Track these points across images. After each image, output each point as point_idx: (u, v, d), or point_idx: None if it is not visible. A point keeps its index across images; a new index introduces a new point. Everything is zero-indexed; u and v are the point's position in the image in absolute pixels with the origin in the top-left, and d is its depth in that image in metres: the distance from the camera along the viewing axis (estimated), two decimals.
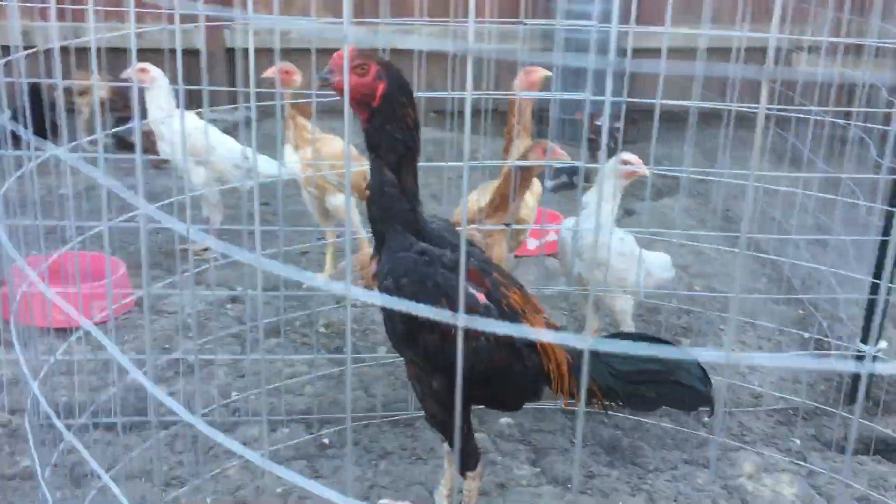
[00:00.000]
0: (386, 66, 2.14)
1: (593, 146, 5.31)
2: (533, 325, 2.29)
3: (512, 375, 2.27)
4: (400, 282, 2.14)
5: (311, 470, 2.86)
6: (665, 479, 2.88)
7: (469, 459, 2.37)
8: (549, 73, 3.61)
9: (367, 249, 3.30)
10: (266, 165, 4.51)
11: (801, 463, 2.99)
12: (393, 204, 2.20)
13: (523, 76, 3.63)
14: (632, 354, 2.30)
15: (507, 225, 3.17)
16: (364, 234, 4.17)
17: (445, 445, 2.54)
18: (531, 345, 2.27)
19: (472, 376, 2.14)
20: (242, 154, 4.53)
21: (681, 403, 2.43)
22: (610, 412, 2.88)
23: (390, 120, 2.16)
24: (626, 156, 3.26)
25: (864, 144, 4.00)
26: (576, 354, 2.34)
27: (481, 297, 2.20)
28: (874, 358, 3.34)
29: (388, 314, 2.20)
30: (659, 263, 3.56)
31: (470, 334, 2.15)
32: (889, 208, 3.17)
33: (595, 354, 2.34)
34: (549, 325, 2.37)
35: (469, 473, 2.38)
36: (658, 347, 2.33)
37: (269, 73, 3.75)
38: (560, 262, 3.57)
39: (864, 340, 3.38)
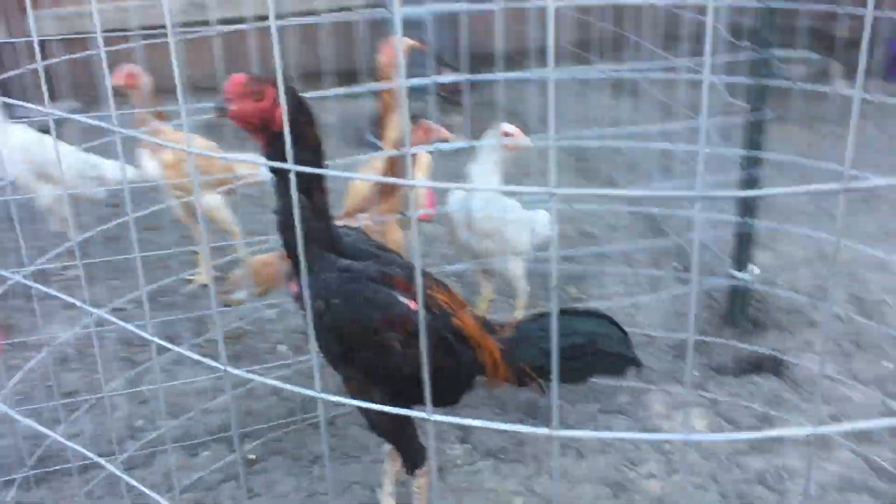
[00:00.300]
0: (283, 89, 2.04)
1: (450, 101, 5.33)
2: (462, 322, 2.31)
3: (450, 373, 2.29)
4: (330, 303, 2.09)
5: (243, 490, 2.79)
6: (588, 426, 3.04)
7: (417, 458, 2.38)
8: (412, 41, 3.55)
9: (264, 256, 3.19)
10: (115, 170, 4.25)
11: (704, 394, 3.22)
12: (308, 226, 2.13)
13: (386, 50, 3.56)
14: (560, 330, 2.38)
15: (402, 214, 3.15)
16: (236, 229, 4.02)
17: (386, 445, 2.54)
18: (465, 341, 2.30)
19: (414, 382, 2.18)
20: (86, 162, 4.24)
21: (609, 370, 2.54)
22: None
23: (294, 142, 2.08)
24: (507, 127, 3.30)
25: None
26: (506, 342, 2.38)
27: (413, 305, 2.19)
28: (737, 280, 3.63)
29: (323, 336, 2.15)
30: (542, 222, 3.65)
31: (411, 343, 2.15)
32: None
33: (525, 338, 2.40)
34: (477, 319, 2.40)
35: (418, 472, 2.40)
36: (582, 320, 2.43)
37: (116, 79, 3.51)
38: (450, 234, 3.60)
39: (737, 268, 3.66)
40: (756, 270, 3.67)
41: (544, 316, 2.46)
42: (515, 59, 3.79)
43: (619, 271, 4.22)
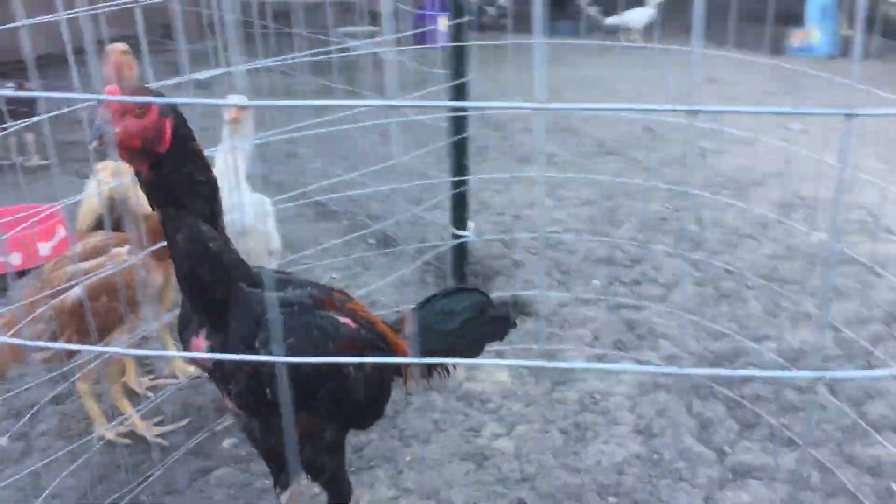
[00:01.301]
0: (164, 99, 1.64)
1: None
2: (382, 330, 2.12)
3: (387, 384, 2.11)
4: (288, 343, 1.77)
5: None
6: (414, 415, 3.01)
7: (348, 492, 2.15)
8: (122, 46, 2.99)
9: (59, 272, 2.51)
10: None
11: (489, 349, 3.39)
12: (224, 261, 1.76)
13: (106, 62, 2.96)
14: (447, 310, 2.33)
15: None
16: None
17: (298, 485, 2.24)
18: (390, 347, 2.12)
19: (365, 405, 2.00)
20: None
21: (497, 335, 2.55)
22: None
23: (186, 161, 1.69)
24: (231, 98, 2.91)
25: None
26: (410, 337, 2.25)
27: (351, 324, 1.95)
28: (462, 238, 3.88)
29: (275, 385, 1.80)
30: (271, 210, 3.39)
31: (364, 366, 1.93)
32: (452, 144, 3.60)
33: (425, 327, 2.29)
34: (389, 326, 2.21)
35: None
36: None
37: None
38: None
39: (459, 228, 3.88)
40: (472, 226, 3.92)
41: (428, 303, 2.37)
42: None
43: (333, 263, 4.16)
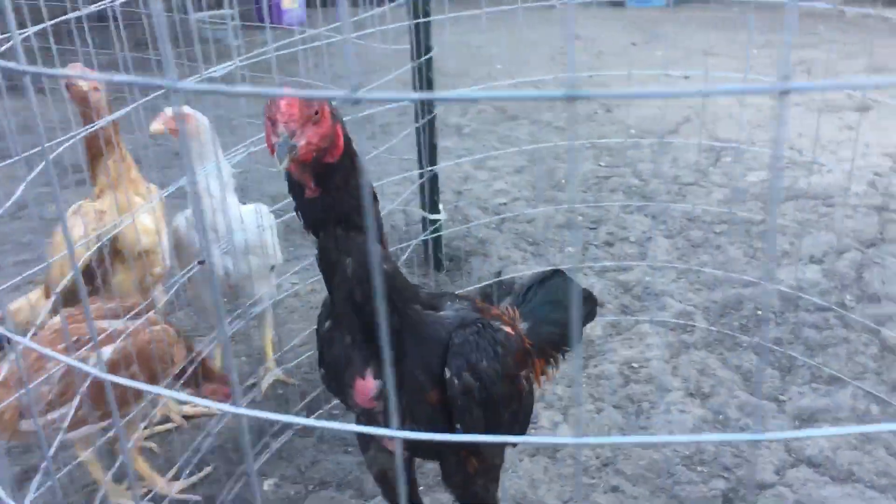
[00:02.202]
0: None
1: None
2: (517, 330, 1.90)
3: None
4: (479, 370, 1.53)
5: None
6: None
7: None
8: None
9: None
10: None
11: None
12: (398, 284, 1.50)
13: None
14: (551, 300, 2.16)
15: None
16: None
17: None
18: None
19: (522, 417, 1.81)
20: None
21: (593, 314, 2.42)
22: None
23: (352, 170, 1.42)
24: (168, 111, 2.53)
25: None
26: (527, 332, 2.05)
27: (511, 331, 1.72)
28: (436, 222, 3.67)
29: (468, 417, 1.55)
30: (273, 222, 3.02)
31: (529, 378, 1.73)
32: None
33: (537, 320, 2.09)
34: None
35: None
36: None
37: None
38: (178, 260, 2.78)
39: (431, 211, 3.65)
40: (442, 209, 3.71)
41: (529, 291, 2.18)
42: None
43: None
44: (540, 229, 4.12)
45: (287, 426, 2.86)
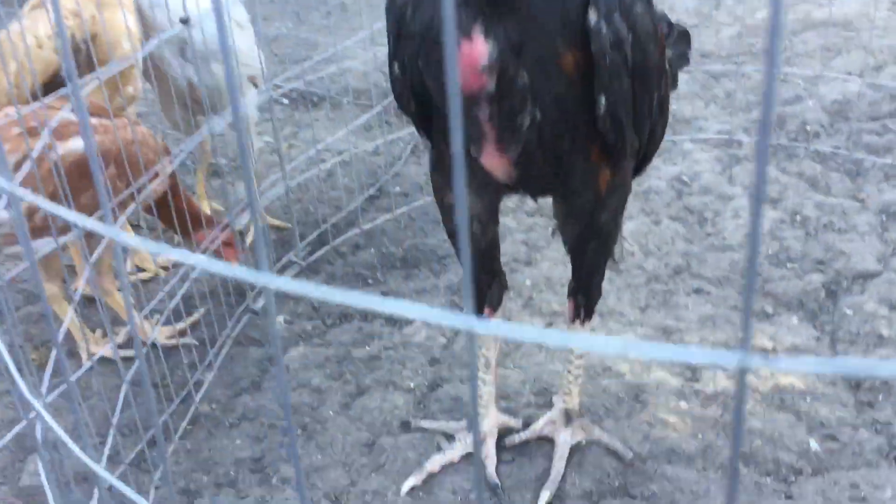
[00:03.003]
0: None
1: None
2: None
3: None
4: (634, 13, 1.13)
5: None
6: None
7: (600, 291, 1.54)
8: None
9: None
10: None
11: None
12: None
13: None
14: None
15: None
16: None
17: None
18: None
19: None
20: None
21: (686, 58, 1.99)
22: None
23: None
24: None
25: None
26: None
27: None
28: None
29: (614, 87, 1.13)
30: (247, 21, 2.50)
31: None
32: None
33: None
34: None
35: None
36: None
37: None
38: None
39: None
40: None
41: None
42: None
43: None
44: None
45: (285, 266, 2.40)
